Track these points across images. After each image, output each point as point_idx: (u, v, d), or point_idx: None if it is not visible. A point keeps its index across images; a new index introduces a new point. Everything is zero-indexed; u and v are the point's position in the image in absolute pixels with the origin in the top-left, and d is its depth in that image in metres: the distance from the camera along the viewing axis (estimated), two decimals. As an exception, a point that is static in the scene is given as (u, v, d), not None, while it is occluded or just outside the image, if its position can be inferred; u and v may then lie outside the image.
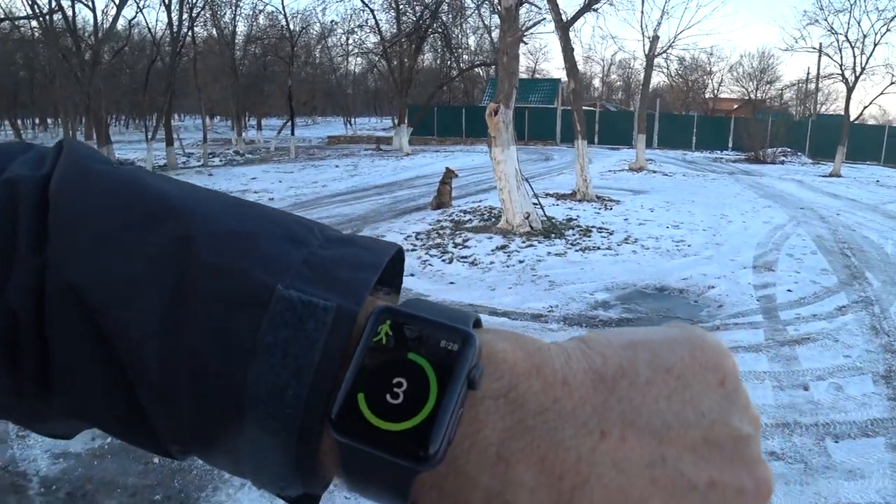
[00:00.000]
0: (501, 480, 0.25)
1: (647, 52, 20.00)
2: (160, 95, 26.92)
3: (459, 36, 40.12)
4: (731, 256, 8.60)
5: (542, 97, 40.96)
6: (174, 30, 25.82)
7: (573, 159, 27.40)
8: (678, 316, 6.29)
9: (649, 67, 19.70)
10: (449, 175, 13.29)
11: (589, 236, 9.61)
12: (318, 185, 17.34)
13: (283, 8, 33.24)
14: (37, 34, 21.58)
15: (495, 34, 44.90)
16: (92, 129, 23.75)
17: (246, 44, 38.67)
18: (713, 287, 7.20)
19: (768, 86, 51.45)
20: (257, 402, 0.26)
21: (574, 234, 9.72)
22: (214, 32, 35.14)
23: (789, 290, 7.08)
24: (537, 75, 59.76)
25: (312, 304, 0.27)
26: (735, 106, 51.69)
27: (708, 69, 54.29)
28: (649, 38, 19.57)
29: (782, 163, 24.98)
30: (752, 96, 48.83)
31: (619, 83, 78.36)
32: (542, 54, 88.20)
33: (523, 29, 10.92)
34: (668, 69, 60.27)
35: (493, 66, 47.23)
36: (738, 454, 0.26)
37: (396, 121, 32.25)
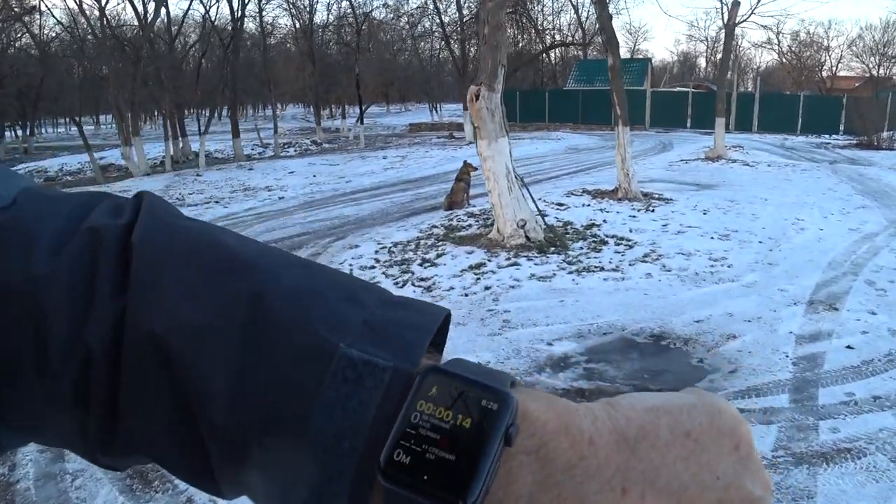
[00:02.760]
0: None
1: (725, 21, 17.15)
2: (226, 87, 26.48)
3: (538, 14, 37.65)
4: (783, 284, 6.32)
5: (630, 79, 37.75)
6: (235, 18, 25.16)
7: (655, 146, 24.80)
8: (660, 388, 4.23)
9: (728, 38, 16.85)
10: (465, 171, 11.45)
11: (599, 251, 7.53)
12: (344, 179, 15.89)
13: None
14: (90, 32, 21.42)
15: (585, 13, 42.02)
16: (168, 123, 23.61)
17: (322, 30, 37.90)
18: (735, 337, 5.05)
19: (893, 61, 45.52)
20: (317, 450, 0.28)
21: (582, 248, 7.68)
22: (287, 22, 34.54)
23: (849, 348, 4.83)
24: (638, 56, 56.09)
25: (372, 364, 0.29)
26: (856, 85, 46.20)
27: (825, 44, 48.91)
28: (727, 4, 16.73)
29: (901, 149, 21.25)
30: (875, 73, 43.31)
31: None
32: (641, 34, 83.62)
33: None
34: (778, 45, 55.04)
35: (580, 47, 44.37)
36: None
37: (432, 107, 30.32)
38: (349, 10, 33.00)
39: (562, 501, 0.27)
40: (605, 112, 35.57)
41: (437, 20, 31.34)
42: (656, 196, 11.15)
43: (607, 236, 8.22)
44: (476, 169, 11.58)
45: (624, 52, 69.20)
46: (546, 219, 9.31)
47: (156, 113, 24.89)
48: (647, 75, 37.33)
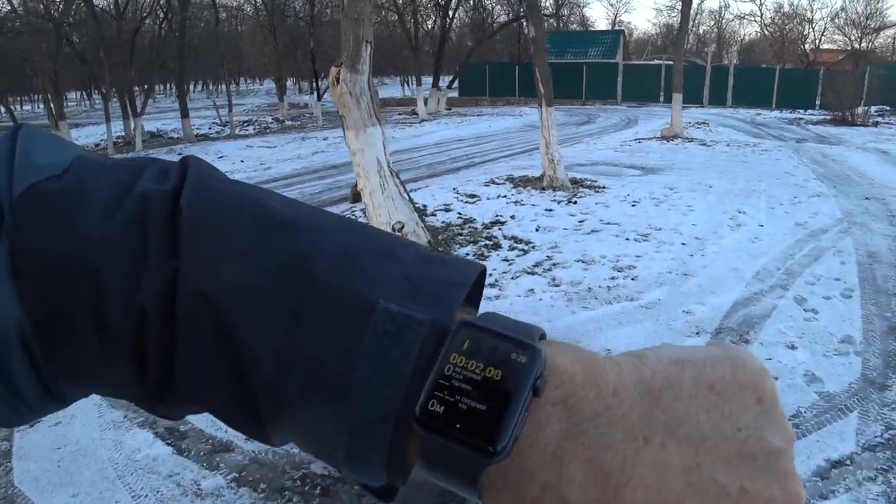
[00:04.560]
0: (556, 475, 0.28)
1: (683, -13, 15.75)
2: (163, 65, 24.82)
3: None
4: (691, 304, 5.08)
5: (602, 51, 36.30)
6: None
7: (620, 122, 23.41)
8: None
9: (686, 6, 15.44)
10: (374, 155, 10.09)
11: (486, 258, 6.26)
12: (264, 166, 14.48)
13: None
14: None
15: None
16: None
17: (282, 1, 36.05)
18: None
19: (875, 34, 44.14)
20: (359, 399, 0.30)
21: (469, 254, 6.40)
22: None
23: (745, 407, 3.57)
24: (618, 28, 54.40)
25: (410, 318, 0.30)
26: (839, 58, 44.83)
27: (808, 17, 47.46)
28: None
29: (876, 125, 19.95)
30: (857, 46, 41.94)
31: (712, 35, 71.23)
32: (622, 5, 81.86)
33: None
34: (761, 17, 53.60)
35: (555, 18, 42.66)
36: (771, 466, 0.28)
37: (414, 82, 28.82)
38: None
39: (586, 449, 0.28)
40: (576, 86, 34.25)
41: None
42: (588, 183, 9.86)
43: (506, 237, 6.94)
44: (385, 154, 10.24)
45: (604, 24, 67.52)
46: (448, 214, 8.02)
47: (111, 91, 23.20)
48: (619, 48, 35.84)
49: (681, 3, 15.40)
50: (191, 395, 0.34)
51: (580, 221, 7.62)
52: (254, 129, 29.16)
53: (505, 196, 8.98)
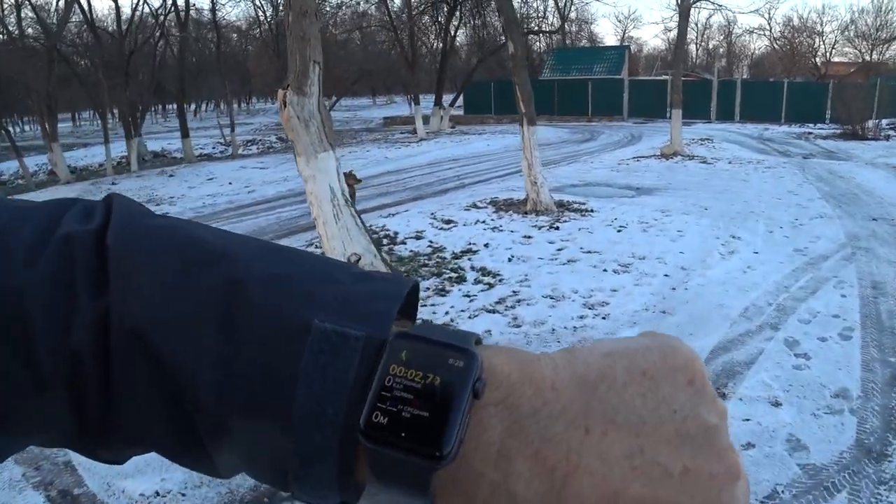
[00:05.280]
0: (503, 473, 0.28)
1: (679, 2, 15.19)
2: (158, 87, 24.60)
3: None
4: (666, 349, 4.48)
5: (607, 67, 35.81)
6: (167, 11, 23.28)
7: (623, 139, 22.79)
8: None
9: (684, 21, 14.85)
10: (349, 181, 9.60)
11: (446, 294, 5.70)
12: (247, 189, 14.06)
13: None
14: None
15: None
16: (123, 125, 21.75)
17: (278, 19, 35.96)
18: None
19: (886, 45, 43.29)
20: (302, 421, 0.30)
21: (428, 289, 5.85)
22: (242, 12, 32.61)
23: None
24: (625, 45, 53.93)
25: (345, 335, 0.30)
26: (851, 70, 44.06)
27: (819, 29, 46.78)
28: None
29: (887, 138, 19.18)
30: (867, 58, 41.13)
31: (721, 49, 70.66)
32: (630, 20, 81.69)
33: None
34: (770, 31, 52.99)
35: (551, 35, 42.29)
36: (709, 443, 0.29)
37: (411, 99, 28.42)
38: None
39: (529, 444, 0.28)
40: (581, 103, 33.72)
41: (384, 8, 29.35)
42: (575, 206, 9.29)
43: (474, 269, 6.38)
44: (360, 181, 9.77)
45: (613, 40, 67.14)
46: (418, 242, 7.49)
47: (110, 112, 23.09)
48: (625, 63, 35.35)
49: (678, 16, 14.81)
50: (132, 434, 0.33)
51: (558, 250, 7.05)
52: (257, 148, 28.92)
53: (483, 221, 8.43)
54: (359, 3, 33.05)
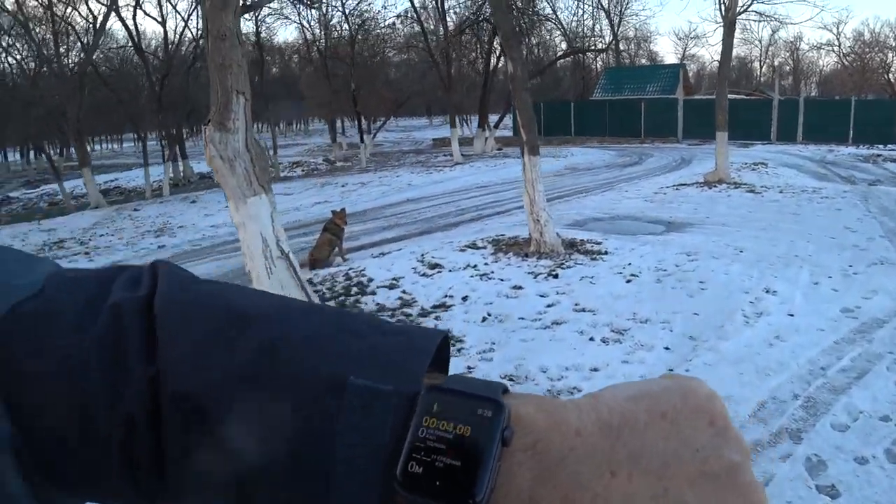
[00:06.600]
0: None
1: (723, 13, 13.78)
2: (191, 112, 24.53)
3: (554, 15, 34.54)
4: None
5: (661, 86, 34.24)
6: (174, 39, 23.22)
7: (671, 162, 21.18)
8: None
9: (728, 34, 13.39)
10: (335, 219, 8.71)
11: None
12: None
13: (344, 9, 28.90)
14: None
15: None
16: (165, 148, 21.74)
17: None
18: None
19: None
20: (343, 477, 0.31)
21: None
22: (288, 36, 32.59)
23: None
24: (685, 62, 51.99)
25: (377, 391, 0.32)
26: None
27: (891, 44, 43.88)
28: (724, -3, 13.28)
29: (969, 162, 17.22)
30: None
31: (787, 67, 67.61)
32: (691, 38, 79.29)
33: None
34: (839, 47, 50.13)
35: (601, 53, 40.85)
36: (732, 482, 0.30)
37: (467, 123, 27.53)
38: (343, 22, 30.68)
39: (558, 489, 0.29)
40: (634, 124, 32.21)
41: (419, 28, 28.69)
42: (587, 247, 8.09)
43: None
44: (346, 223, 8.86)
45: (674, 59, 65.05)
46: (390, 293, 6.47)
47: (146, 137, 23.20)
48: (679, 82, 33.68)
49: (722, 30, 13.42)
50: (182, 493, 0.34)
51: (547, 306, 5.90)
52: (302, 170, 28.66)
53: (475, 266, 7.33)
54: (394, 24, 32.56)
